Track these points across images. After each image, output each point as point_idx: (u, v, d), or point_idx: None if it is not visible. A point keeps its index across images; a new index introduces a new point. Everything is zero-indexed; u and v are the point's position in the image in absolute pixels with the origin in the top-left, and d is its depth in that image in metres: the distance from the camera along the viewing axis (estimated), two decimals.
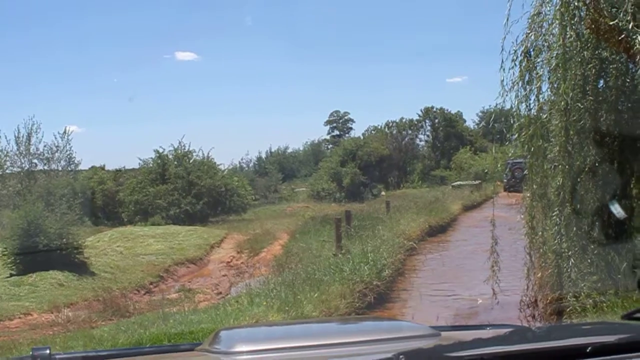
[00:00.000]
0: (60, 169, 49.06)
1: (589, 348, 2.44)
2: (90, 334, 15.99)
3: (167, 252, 33.58)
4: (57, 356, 2.95)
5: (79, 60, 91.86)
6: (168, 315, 16.65)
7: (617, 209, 10.94)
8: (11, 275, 27.27)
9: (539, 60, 12.14)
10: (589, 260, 11.53)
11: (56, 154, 48.86)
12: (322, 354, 2.61)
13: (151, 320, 16.31)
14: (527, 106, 12.23)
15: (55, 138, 49.01)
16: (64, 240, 28.96)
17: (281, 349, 2.75)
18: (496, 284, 12.56)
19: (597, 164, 11.60)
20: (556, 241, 11.81)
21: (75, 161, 50.77)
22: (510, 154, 14.59)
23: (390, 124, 79.34)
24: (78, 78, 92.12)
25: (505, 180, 32.04)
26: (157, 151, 53.92)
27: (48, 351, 2.85)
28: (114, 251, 33.68)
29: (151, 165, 53.92)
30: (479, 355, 2.40)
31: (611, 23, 10.32)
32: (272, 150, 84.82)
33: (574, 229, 11.61)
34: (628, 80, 11.55)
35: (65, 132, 49.47)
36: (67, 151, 49.38)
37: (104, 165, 59.00)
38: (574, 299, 11.29)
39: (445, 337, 2.99)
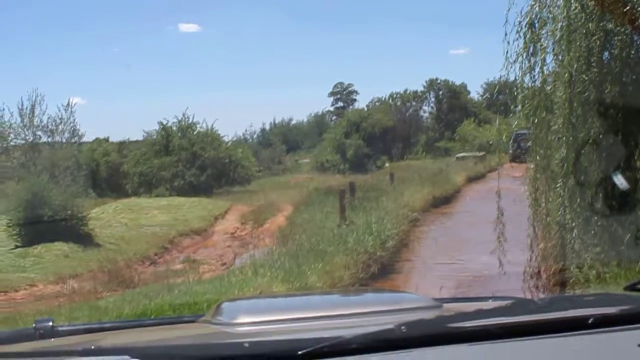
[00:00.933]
0: (64, 141, 48.88)
1: (591, 319, 2.46)
2: (96, 304, 16.06)
3: (172, 224, 33.62)
4: (60, 328, 2.94)
5: (81, 32, 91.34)
6: (173, 286, 16.70)
7: (620, 180, 10.95)
8: (16, 246, 27.33)
9: (543, 32, 12.13)
10: (592, 232, 11.57)
11: (60, 126, 48.67)
12: (324, 325, 2.62)
13: (156, 291, 16.35)
14: (531, 78, 12.24)
15: (59, 110, 48.79)
16: (69, 211, 29.00)
17: (283, 321, 2.76)
18: (502, 254, 12.59)
19: (601, 136, 11.61)
20: (560, 213, 11.85)
21: (79, 133, 50.58)
22: (514, 126, 14.58)
23: (395, 96, 79.06)
24: (81, 49, 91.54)
25: (510, 151, 31.99)
26: (161, 123, 53.87)
27: (51, 323, 2.86)
28: (119, 222, 33.75)
29: (155, 137, 53.83)
30: (481, 326, 2.42)
31: None
32: (276, 122, 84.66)
33: (578, 200, 11.64)
34: (633, 52, 11.54)
35: (68, 104, 49.25)
36: (70, 123, 49.19)
37: (108, 137, 58.86)
38: (577, 270, 11.34)
39: (447, 308, 3.01)
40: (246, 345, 2.42)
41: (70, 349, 2.63)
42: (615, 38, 11.51)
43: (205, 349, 2.59)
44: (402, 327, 2.36)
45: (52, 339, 2.81)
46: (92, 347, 2.55)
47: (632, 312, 2.53)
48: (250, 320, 2.78)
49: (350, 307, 3.11)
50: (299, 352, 2.27)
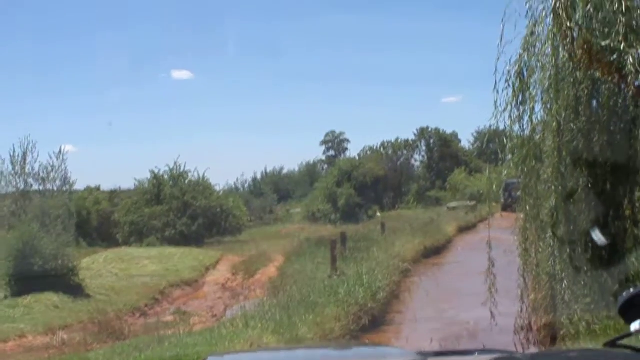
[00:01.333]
0: (55, 189, 48.79)
1: None
2: (86, 356, 15.98)
3: (163, 274, 33.54)
4: None
5: (75, 78, 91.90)
6: (163, 338, 16.60)
7: (597, 236, 10.93)
8: (6, 297, 27.19)
9: (532, 80, 12.15)
10: (582, 283, 11.52)
11: (52, 174, 48.44)
12: None
13: (146, 343, 16.27)
14: (520, 127, 12.25)
15: (51, 158, 48.56)
16: (59, 261, 28.90)
17: None
18: (494, 306, 12.54)
19: (590, 185, 11.60)
20: (549, 263, 11.81)
21: (71, 181, 50.29)
22: (504, 175, 14.59)
23: (386, 144, 79.44)
24: (74, 96, 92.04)
25: (502, 201, 32.03)
26: (152, 172, 54.11)
27: None
28: (109, 273, 33.65)
29: (147, 185, 54.00)
30: None
31: (603, 44, 10.35)
32: (268, 171, 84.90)
33: (567, 251, 11.60)
34: (620, 101, 11.55)
35: (60, 151, 49.21)
36: (62, 171, 48.98)
37: (100, 186, 58.95)
38: (568, 322, 11.28)
39: None
40: None
41: None
42: (603, 87, 11.54)
43: None
44: None
45: None
46: None
47: None
48: None
49: None
50: None
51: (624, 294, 2.61)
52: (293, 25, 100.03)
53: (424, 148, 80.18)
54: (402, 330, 16.21)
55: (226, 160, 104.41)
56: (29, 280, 27.40)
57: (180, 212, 50.82)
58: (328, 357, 3.66)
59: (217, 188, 57.27)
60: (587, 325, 10.71)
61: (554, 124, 11.39)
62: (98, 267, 34.83)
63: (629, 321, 2.58)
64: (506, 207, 27.54)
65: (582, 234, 11.67)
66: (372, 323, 16.23)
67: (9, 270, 28.03)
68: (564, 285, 11.43)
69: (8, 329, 23.24)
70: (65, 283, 28.39)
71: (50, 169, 47.97)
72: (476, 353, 3.51)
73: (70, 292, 27.93)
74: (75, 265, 29.89)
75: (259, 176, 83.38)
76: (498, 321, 12.56)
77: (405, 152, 79.84)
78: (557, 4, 11.19)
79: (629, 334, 2.59)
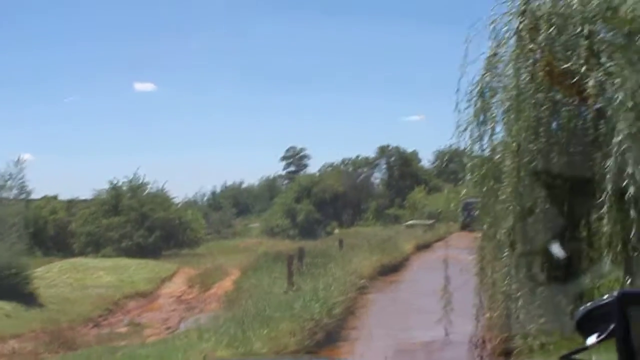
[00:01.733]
0: (11, 197, 48.49)
1: None
2: None
3: (117, 285, 33.37)
4: None
5: (36, 86, 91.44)
6: (116, 349, 16.48)
7: (556, 249, 11.00)
8: None
9: (493, 100, 12.21)
10: (537, 302, 11.53)
11: (8, 182, 48.31)
12: None
13: (98, 353, 16.16)
14: (480, 146, 12.30)
15: (8, 165, 48.47)
16: (13, 270, 28.66)
17: None
18: (448, 324, 12.56)
19: (547, 206, 11.64)
20: (505, 282, 11.82)
21: (28, 190, 50.19)
22: (462, 194, 14.62)
23: (346, 162, 79.71)
24: (33, 105, 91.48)
25: (461, 220, 32.14)
26: (111, 182, 53.91)
27: None
28: (64, 282, 33.40)
29: (105, 196, 53.73)
30: None
31: (564, 66, 10.44)
32: (227, 184, 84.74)
33: (524, 270, 11.63)
34: (580, 123, 11.65)
35: (18, 160, 48.98)
36: (19, 179, 48.86)
37: (57, 195, 58.51)
38: (522, 340, 11.29)
39: None
40: None
41: None
42: (563, 109, 11.63)
43: None
44: None
45: None
46: None
47: None
48: None
49: None
50: None
51: (581, 308, 2.60)
52: (257, 39, 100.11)
53: (384, 166, 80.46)
54: (357, 346, 16.14)
55: (186, 173, 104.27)
56: None
57: (138, 223, 50.61)
58: None
59: (176, 200, 57.26)
60: (541, 344, 10.73)
61: (514, 144, 11.42)
62: (52, 276, 34.56)
63: (586, 335, 2.57)
64: (465, 227, 27.65)
65: (538, 254, 11.72)
66: (327, 338, 16.16)
67: None
68: (519, 304, 11.43)
69: None
70: (18, 291, 28.15)
71: (7, 177, 47.68)
72: None
73: (22, 301, 27.69)
74: (28, 274, 29.68)
75: (218, 189, 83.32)
76: (453, 338, 12.60)
77: (365, 169, 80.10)
78: (521, 26, 11.28)
79: (585, 348, 2.57)
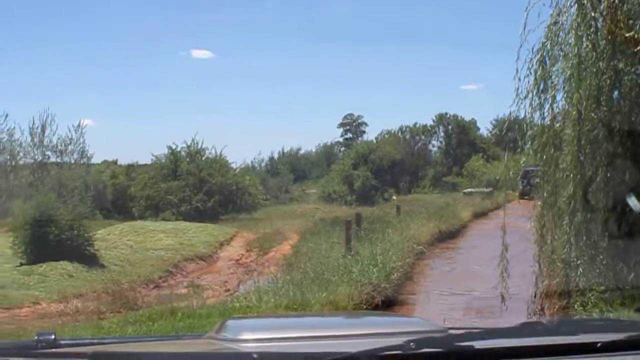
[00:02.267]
0: (72, 162, 49.13)
1: (599, 344, 2.49)
2: (99, 324, 16.07)
3: (177, 248, 33.70)
4: (62, 341, 2.92)
5: (96, 53, 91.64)
6: (176, 309, 16.69)
7: (633, 202, 10.97)
8: (21, 264, 27.43)
9: (554, 69, 12.17)
10: (597, 271, 11.56)
11: (69, 147, 48.99)
12: (330, 344, 2.62)
13: (159, 313, 16.36)
14: (540, 115, 12.29)
15: (70, 131, 49.10)
16: (75, 232, 29.15)
17: (288, 339, 2.76)
18: (505, 290, 12.60)
19: (608, 175, 11.63)
20: (565, 250, 11.85)
21: (88, 155, 50.90)
22: (522, 162, 14.61)
23: (404, 129, 79.20)
24: (94, 71, 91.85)
25: (520, 188, 31.98)
26: (170, 147, 54.10)
27: (53, 336, 2.85)
28: (124, 245, 33.83)
29: (164, 161, 54.01)
30: (489, 348, 2.44)
31: (627, 35, 10.39)
32: (285, 151, 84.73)
33: (584, 238, 11.65)
34: None
35: (79, 125, 49.60)
36: (80, 144, 49.52)
37: (117, 160, 59.06)
38: (581, 308, 11.33)
39: (454, 332, 3.02)
40: (255, 356, 2.43)
41: (75, 357, 2.66)
42: (625, 77, 11.57)
43: (213, 358, 2.60)
44: (411, 344, 2.37)
45: (54, 350, 2.81)
46: (99, 352, 2.57)
47: (639, 338, 2.55)
48: (255, 337, 2.77)
49: (357, 328, 3.12)
50: None
51: None
52: (316, 7, 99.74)
53: (442, 134, 79.92)
54: (415, 310, 16.22)
55: (244, 139, 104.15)
56: (45, 248, 27.64)
57: (196, 188, 50.84)
58: (351, 323, 3.70)
59: (234, 166, 57.32)
60: (601, 312, 10.76)
61: (575, 113, 11.42)
62: (113, 238, 34.99)
63: None
64: (524, 195, 27.50)
65: (599, 222, 11.72)
66: (385, 303, 16.25)
67: (25, 239, 28.28)
68: (579, 273, 11.49)
69: (22, 295, 23.46)
70: (80, 253, 28.65)
71: (68, 141, 48.49)
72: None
73: (84, 262, 28.19)
74: (90, 236, 30.15)
75: (275, 156, 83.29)
76: (510, 305, 12.63)
77: (423, 137, 79.63)
78: None
79: None
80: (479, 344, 2.44)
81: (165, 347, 3.11)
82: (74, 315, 20.11)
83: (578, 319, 6.92)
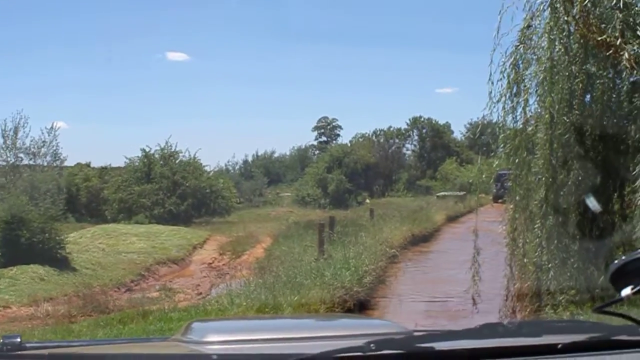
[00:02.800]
0: (45, 164, 48.96)
1: (560, 345, 2.48)
2: (69, 328, 16.04)
3: (149, 251, 33.66)
4: (28, 344, 2.88)
5: (69, 55, 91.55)
6: (148, 312, 16.66)
7: (592, 202, 11.02)
8: None
9: (527, 73, 12.20)
10: (568, 274, 11.59)
11: (42, 149, 48.80)
12: (294, 346, 2.61)
13: (131, 317, 16.33)
14: (513, 118, 12.29)
15: (42, 133, 48.93)
16: (47, 235, 29.05)
17: (252, 341, 2.75)
18: (476, 293, 12.62)
19: (580, 179, 11.66)
20: (537, 254, 11.87)
21: (61, 157, 50.70)
22: (495, 166, 14.64)
23: (378, 132, 79.56)
24: (68, 73, 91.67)
25: (494, 191, 32.15)
26: (143, 150, 54.13)
27: (19, 339, 2.80)
28: (96, 248, 33.75)
29: (137, 164, 54.01)
30: (450, 350, 2.43)
31: (599, 38, 10.41)
32: (259, 154, 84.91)
33: (555, 242, 11.67)
34: (614, 95, 11.62)
35: (52, 127, 49.41)
36: (53, 147, 49.33)
37: (90, 163, 58.89)
38: (552, 312, 11.35)
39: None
40: (214, 357, 2.42)
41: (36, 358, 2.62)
42: (598, 81, 11.59)
43: (175, 359, 2.58)
44: (371, 345, 2.35)
45: (19, 353, 2.77)
46: (56, 354, 2.54)
47: (600, 340, 2.55)
48: (221, 339, 2.76)
49: (322, 330, 3.10)
50: None
51: (616, 261, 2.65)
52: (289, 7, 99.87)
53: (416, 137, 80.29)
54: (386, 314, 16.24)
55: (218, 142, 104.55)
56: (16, 251, 27.53)
57: (170, 191, 50.89)
58: (316, 326, 3.68)
59: (208, 169, 57.50)
60: (571, 315, 10.79)
61: (547, 116, 11.43)
62: (85, 241, 34.92)
63: (620, 288, 2.62)
64: (497, 198, 27.63)
65: (570, 226, 11.76)
66: (357, 306, 16.26)
67: None
68: (550, 276, 11.50)
69: None
70: (52, 256, 28.55)
71: (41, 144, 48.31)
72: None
73: (56, 265, 28.08)
74: (62, 239, 30.07)
75: (249, 159, 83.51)
76: (482, 308, 12.66)
77: (397, 140, 79.96)
78: None
79: (618, 300, 2.62)
80: (439, 346, 2.43)
81: (129, 350, 3.09)
82: (45, 319, 20.03)
83: (539, 321, 6.94)
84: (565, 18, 11.15)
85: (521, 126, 12.28)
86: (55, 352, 2.68)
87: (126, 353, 2.81)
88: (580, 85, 11.51)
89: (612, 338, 2.59)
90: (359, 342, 2.42)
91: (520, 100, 12.19)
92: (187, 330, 3.04)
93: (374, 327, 3.20)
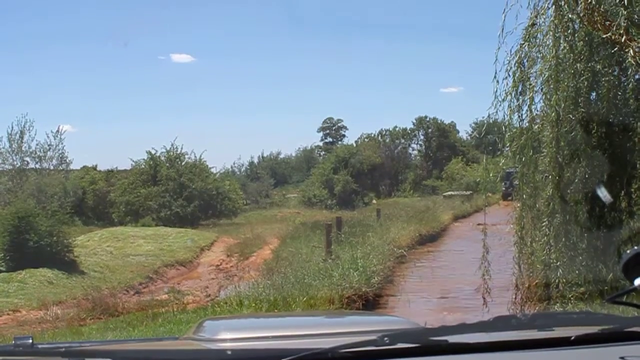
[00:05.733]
0: (52, 167, 49.03)
1: (573, 337, 2.50)
2: (79, 330, 16.08)
3: (157, 254, 33.65)
4: (40, 346, 2.91)
5: (75, 59, 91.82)
6: (157, 315, 16.70)
7: (603, 193, 10.99)
8: (0, 271, 27.27)
9: (532, 71, 12.17)
10: (576, 272, 11.58)
11: (48, 153, 48.91)
12: (306, 343, 2.62)
13: (140, 319, 16.36)
14: (519, 117, 12.27)
15: (48, 137, 49.04)
16: (55, 238, 29.06)
17: (265, 338, 2.78)
18: (486, 292, 12.62)
19: (586, 176, 11.65)
20: (545, 252, 11.86)
21: (67, 160, 50.85)
22: (501, 164, 14.63)
23: (384, 133, 79.52)
24: (73, 76, 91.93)
25: (503, 189, 32.18)
26: (149, 152, 54.09)
27: (30, 340, 2.83)
28: (104, 251, 33.77)
29: (143, 166, 53.99)
30: (464, 342, 2.45)
31: (604, 36, 10.40)
32: (265, 155, 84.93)
33: (563, 240, 11.66)
34: (620, 93, 11.60)
35: (58, 130, 49.51)
36: (59, 150, 49.46)
37: (96, 165, 59.01)
38: (561, 309, 11.34)
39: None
40: (229, 353, 2.44)
41: (50, 354, 2.64)
42: (603, 79, 11.57)
43: (188, 355, 2.60)
44: (385, 339, 2.37)
45: (32, 351, 2.80)
46: (72, 350, 2.56)
47: (612, 332, 2.56)
48: (233, 337, 2.79)
49: (334, 327, 3.13)
50: None
51: (628, 251, 2.65)
52: (295, 9, 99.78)
53: (421, 137, 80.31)
54: (395, 313, 16.22)
55: (223, 144, 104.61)
56: (24, 255, 27.55)
57: (176, 193, 50.83)
58: (328, 322, 3.70)
59: (214, 171, 57.47)
60: None
61: (553, 114, 11.41)
62: (93, 245, 34.94)
63: (632, 278, 2.62)
64: (506, 196, 27.63)
65: (578, 224, 11.75)
66: (366, 306, 16.26)
67: (3, 246, 28.19)
68: (558, 274, 11.49)
69: (2, 303, 23.37)
70: (60, 259, 28.58)
71: (47, 147, 48.39)
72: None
73: (64, 269, 28.11)
74: (70, 242, 30.09)
75: (255, 160, 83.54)
76: (491, 308, 12.64)
77: (402, 140, 79.94)
78: None
79: (631, 290, 2.63)
80: (453, 338, 2.45)
81: (143, 346, 3.11)
82: (54, 322, 20.06)
83: (552, 313, 6.92)
84: (570, 16, 11.15)
85: (527, 124, 12.26)
86: (71, 349, 2.71)
87: (140, 349, 2.84)
88: (586, 82, 11.50)
89: (625, 330, 2.61)
90: (373, 336, 2.44)
91: (525, 98, 12.17)
92: (199, 328, 3.07)
93: (386, 323, 3.22)
